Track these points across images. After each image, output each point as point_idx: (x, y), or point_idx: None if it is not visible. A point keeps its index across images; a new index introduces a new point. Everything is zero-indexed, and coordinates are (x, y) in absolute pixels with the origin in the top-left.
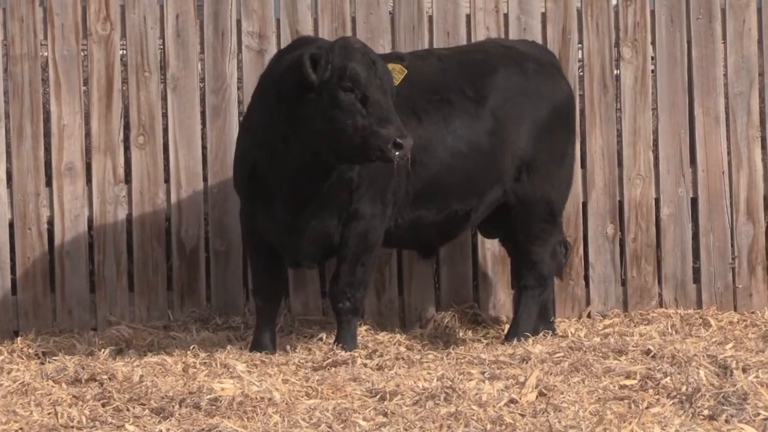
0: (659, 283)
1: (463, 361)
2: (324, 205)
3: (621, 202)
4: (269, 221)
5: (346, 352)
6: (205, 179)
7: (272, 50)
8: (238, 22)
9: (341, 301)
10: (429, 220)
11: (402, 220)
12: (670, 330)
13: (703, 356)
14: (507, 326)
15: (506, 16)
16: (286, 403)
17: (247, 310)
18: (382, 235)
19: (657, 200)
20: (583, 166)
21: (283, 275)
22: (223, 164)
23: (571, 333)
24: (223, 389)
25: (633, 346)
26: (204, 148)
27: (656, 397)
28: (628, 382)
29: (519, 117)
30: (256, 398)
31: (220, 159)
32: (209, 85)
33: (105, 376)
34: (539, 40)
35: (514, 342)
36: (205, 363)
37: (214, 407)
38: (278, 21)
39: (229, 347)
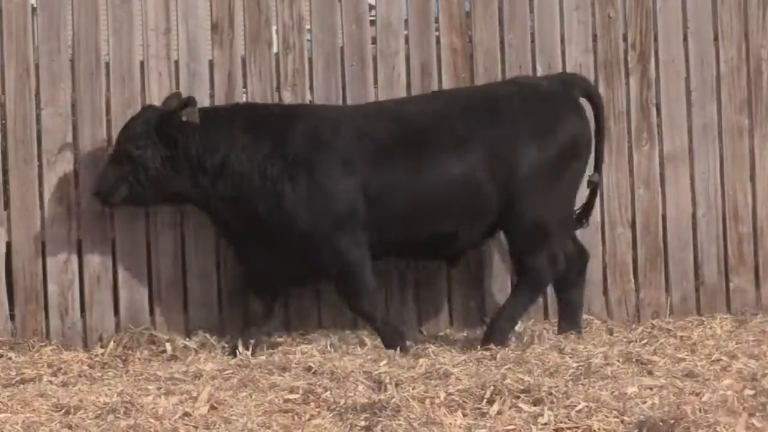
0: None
1: (140, 378)
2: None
3: None
4: None
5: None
6: None
7: None
8: None
9: None
10: (414, 240)
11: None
12: (329, 348)
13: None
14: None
15: (177, 63)
16: None
17: None
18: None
19: None
20: None
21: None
22: None
23: (239, 352)
24: None
25: (295, 364)
26: None
27: (317, 410)
28: (291, 396)
29: (514, 152)
30: None
31: None
32: None
33: None
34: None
35: (495, 334)
36: None
37: None
38: None
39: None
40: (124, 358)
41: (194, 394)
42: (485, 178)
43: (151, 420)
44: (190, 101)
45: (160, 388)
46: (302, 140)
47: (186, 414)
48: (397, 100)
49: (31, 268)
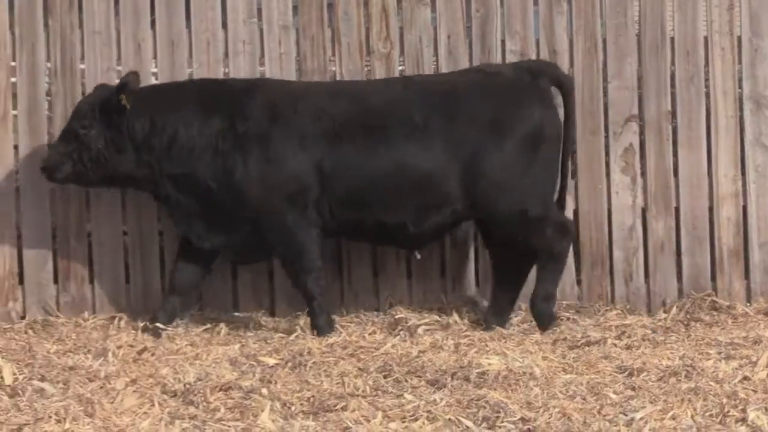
0: None
1: (701, 342)
2: None
3: None
4: None
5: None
6: None
7: None
8: (503, 41)
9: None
10: (364, 223)
11: (335, 219)
12: None
13: None
14: (740, 313)
15: (739, 38)
16: (545, 377)
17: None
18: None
19: None
20: None
21: None
22: None
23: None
24: (490, 364)
25: None
26: None
27: None
28: None
29: (474, 142)
30: (519, 372)
31: None
32: None
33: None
34: None
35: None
36: (473, 342)
37: (481, 380)
38: (537, 41)
39: (496, 328)
40: (686, 323)
41: (753, 359)
42: (442, 169)
43: (712, 383)
44: (124, 86)
45: (721, 352)
46: (258, 114)
47: (745, 378)
48: (359, 81)
49: (597, 235)
